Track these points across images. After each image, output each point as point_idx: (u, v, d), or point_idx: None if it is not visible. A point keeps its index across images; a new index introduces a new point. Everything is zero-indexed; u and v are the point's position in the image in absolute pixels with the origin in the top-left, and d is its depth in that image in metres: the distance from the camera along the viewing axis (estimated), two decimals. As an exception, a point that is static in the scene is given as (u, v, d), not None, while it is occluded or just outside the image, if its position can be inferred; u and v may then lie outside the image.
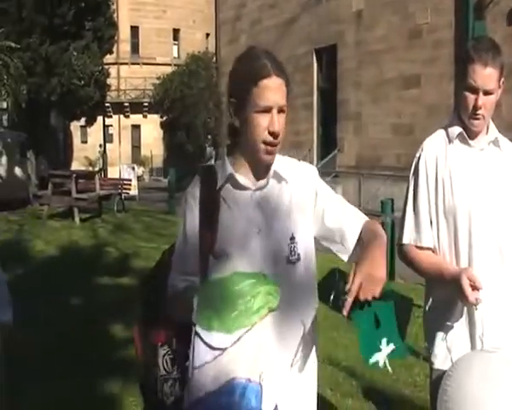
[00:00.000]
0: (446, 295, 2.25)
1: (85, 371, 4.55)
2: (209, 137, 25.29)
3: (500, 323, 2.24)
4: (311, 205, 1.85)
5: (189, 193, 1.83)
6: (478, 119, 2.21)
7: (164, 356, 1.74)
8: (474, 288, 2.10)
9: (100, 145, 33.38)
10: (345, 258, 1.84)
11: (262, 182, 1.79)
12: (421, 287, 5.25)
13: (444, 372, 2.17)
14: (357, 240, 1.80)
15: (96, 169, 28.07)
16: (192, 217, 1.79)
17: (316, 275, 1.85)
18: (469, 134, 2.28)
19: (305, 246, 1.80)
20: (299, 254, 1.77)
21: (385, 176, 13.85)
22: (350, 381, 4.41)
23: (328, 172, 15.74)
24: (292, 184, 1.83)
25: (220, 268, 1.72)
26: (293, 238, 1.77)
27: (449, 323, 2.27)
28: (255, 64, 1.72)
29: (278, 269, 1.74)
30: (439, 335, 2.30)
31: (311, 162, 17.92)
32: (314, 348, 1.86)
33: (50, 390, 4.22)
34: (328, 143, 17.98)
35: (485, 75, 2.15)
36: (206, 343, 1.50)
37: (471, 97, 2.18)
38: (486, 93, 2.17)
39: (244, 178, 1.79)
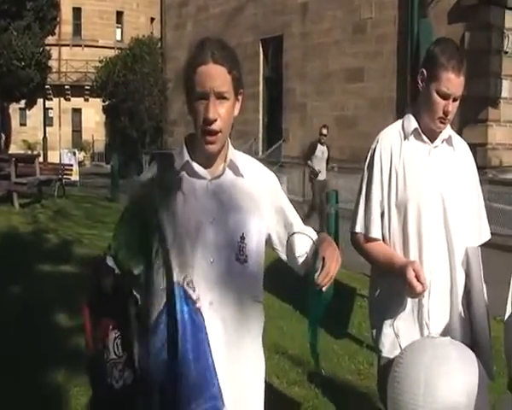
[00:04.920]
0: (394, 285, 2.31)
1: (27, 362, 4.45)
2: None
3: (446, 311, 2.34)
4: (269, 208, 1.87)
5: (144, 178, 1.82)
6: (445, 123, 2.30)
7: (115, 340, 1.71)
8: (419, 280, 2.18)
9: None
10: (299, 270, 1.89)
11: (218, 171, 1.80)
12: (365, 276, 5.37)
13: (392, 360, 2.25)
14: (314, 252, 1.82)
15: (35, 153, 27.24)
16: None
17: (262, 271, 1.87)
18: (427, 132, 2.36)
19: (255, 247, 1.81)
20: (246, 256, 1.78)
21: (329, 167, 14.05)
22: (296, 369, 4.48)
23: (274, 162, 15.82)
24: (249, 180, 1.84)
25: (173, 256, 1.73)
26: (243, 238, 1.77)
27: (396, 312, 2.34)
28: (196, 52, 1.73)
29: (227, 261, 1.76)
30: (387, 323, 2.37)
31: (257, 152, 17.97)
32: (259, 340, 1.87)
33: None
34: (274, 132, 18.08)
35: (458, 83, 2.25)
36: None
37: (442, 103, 2.26)
38: (455, 99, 2.27)
39: (200, 166, 1.78)
